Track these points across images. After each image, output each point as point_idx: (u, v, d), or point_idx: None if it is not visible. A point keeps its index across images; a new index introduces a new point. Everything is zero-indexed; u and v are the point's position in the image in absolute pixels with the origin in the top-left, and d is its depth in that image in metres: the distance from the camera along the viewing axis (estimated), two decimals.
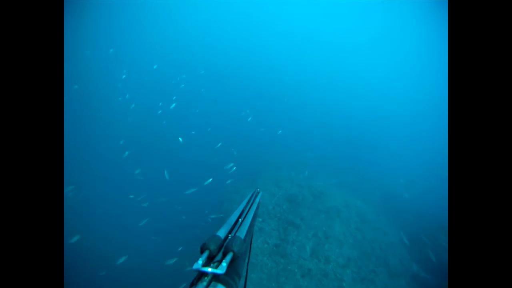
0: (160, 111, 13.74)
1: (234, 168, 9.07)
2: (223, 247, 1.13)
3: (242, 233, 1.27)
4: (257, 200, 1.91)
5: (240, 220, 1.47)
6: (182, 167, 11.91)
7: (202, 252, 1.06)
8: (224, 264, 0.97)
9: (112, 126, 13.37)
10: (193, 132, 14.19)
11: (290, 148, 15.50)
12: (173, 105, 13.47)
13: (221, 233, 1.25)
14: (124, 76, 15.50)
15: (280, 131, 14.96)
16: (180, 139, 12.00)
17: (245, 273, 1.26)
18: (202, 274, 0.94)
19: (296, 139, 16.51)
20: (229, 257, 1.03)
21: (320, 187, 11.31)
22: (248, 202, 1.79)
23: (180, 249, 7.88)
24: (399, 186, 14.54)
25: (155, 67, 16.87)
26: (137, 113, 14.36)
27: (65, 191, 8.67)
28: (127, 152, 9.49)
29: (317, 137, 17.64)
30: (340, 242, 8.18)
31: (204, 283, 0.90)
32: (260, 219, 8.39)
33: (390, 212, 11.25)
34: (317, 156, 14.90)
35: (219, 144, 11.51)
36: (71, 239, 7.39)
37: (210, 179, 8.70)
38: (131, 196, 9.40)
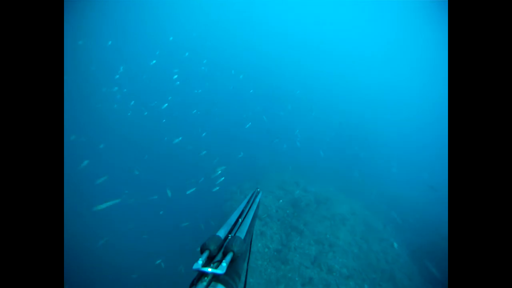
0: (146, 113, 13.42)
1: (222, 178, 8.82)
2: (223, 247, 1.13)
3: (242, 233, 1.26)
4: (257, 200, 1.90)
5: (240, 220, 1.45)
6: (178, 167, 11.79)
7: (202, 252, 1.05)
8: (224, 264, 0.96)
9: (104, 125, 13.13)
10: (203, 134, 13.97)
11: (295, 151, 15.19)
12: (165, 105, 13.11)
13: (221, 233, 1.24)
14: (120, 70, 15.09)
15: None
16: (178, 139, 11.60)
17: (245, 273, 1.25)
18: (202, 274, 0.93)
19: (303, 144, 16.16)
20: (229, 257, 1.02)
21: (326, 192, 10.96)
22: (248, 202, 1.77)
23: (158, 262, 7.71)
24: (412, 195, 14.00)
25: (153, 62, 16.45)
26: (124, 112, 14.06)
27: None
28: (86, 161, 8.84)
29: (324, 142, 17.24)
30: (345, 251, 7.83)
31: (204, 283, 0.90)
32: (262, 222, 8.16)
33: (398, 223, 10.78)
34: (324, 161, 14.52)
35: (204, 152, 11.28)
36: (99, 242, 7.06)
37: (193, 189, 8.43)
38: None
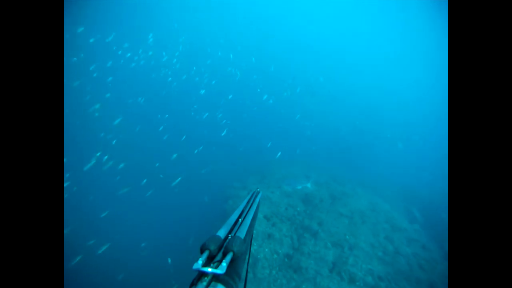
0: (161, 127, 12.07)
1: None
2: (223, 247, 1.13)
3: (242, 233, 1.27)
4: (257, 200, 1.85)
5: (240, 220, 1.46)
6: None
7: (202, 252, 1.06)
8: (224, 264, 0.97)
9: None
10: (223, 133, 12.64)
11: (305, 143, 13.93)
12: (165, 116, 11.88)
13: (221, 233, 1.25)
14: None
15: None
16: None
17: (245, 273, 1.22)
18: (202, 274, 0.94)
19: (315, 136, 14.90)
20: (229, 257, 1.03)
21: (341, 186, 9.73)
22: (248, 202, 1.77)
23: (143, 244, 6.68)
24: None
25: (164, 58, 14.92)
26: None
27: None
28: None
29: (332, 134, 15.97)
30: (368, 255, 6.64)
31: (204, 283, 0.90)
32: (269, 223, 7.02)
33: (426, 219, 9.48)
34: (337, 153, 13.23)
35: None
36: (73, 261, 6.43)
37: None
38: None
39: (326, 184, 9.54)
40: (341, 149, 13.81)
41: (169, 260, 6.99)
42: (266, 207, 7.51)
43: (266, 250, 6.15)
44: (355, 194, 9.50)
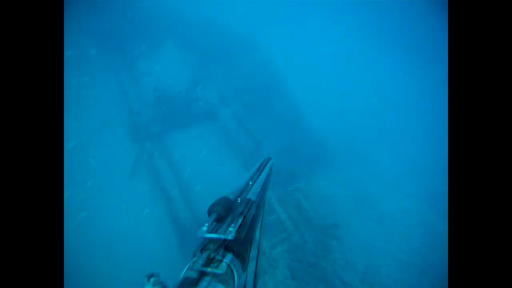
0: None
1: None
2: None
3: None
4: (268, 166, 1.86)
5: (250, 183, 1.45)
6: None
7: (209, 215, 1.05)
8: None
9: None
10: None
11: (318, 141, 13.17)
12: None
13: (230, 196, 1.21)
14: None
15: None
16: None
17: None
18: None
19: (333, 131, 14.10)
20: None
21: (365, 187, 8.93)
22: (259, 167, 1.76)
23: None
24: None
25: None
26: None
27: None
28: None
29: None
30: (403, 264, 5.86)
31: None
32: (287, 227, 6.45)
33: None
34: (359, 151, 12.38)
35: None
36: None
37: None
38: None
39: (348, 182, 8.82)
40: (362, 147, 12.93)
41: None
42: (282, 209, 6.97)
43: (287, 258, 5.58)
44: (382, 194, 8.67)
